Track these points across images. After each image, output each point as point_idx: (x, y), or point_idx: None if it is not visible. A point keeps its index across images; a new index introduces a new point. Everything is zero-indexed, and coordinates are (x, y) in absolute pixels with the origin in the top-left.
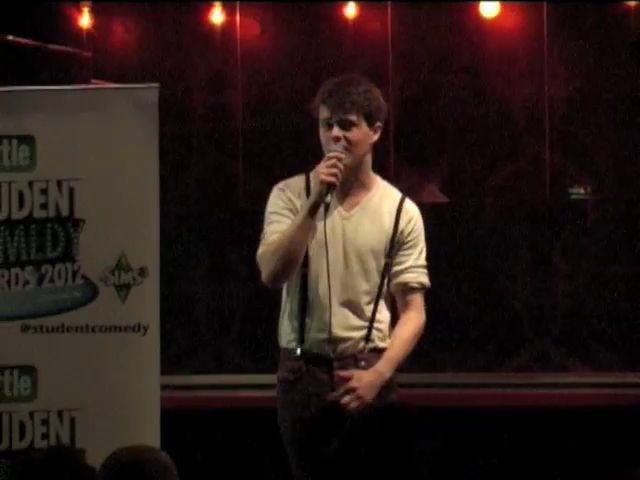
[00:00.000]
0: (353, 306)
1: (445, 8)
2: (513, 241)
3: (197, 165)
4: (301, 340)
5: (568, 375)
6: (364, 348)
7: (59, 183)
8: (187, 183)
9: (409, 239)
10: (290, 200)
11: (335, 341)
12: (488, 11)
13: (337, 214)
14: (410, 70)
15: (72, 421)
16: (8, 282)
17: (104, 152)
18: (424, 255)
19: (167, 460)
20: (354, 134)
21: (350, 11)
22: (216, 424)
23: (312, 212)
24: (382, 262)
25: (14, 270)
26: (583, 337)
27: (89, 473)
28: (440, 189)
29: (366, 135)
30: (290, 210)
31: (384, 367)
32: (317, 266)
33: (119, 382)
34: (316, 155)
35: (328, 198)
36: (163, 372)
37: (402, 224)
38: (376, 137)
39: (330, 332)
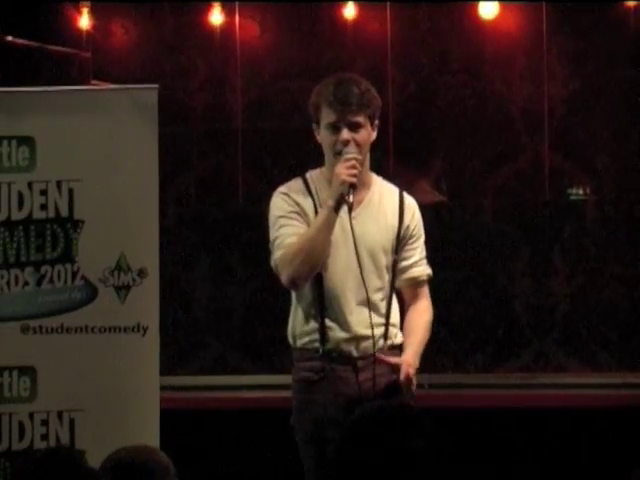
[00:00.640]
0: (370, 304)
1: (444, 9)
2: (512, 242)
3: (196, 166)
4: (322, 340)
5: (567, 376)
6: (384, 346)
7: (59, 184)
8: (186, 184)
9: (414, 233)
10: (296, 203)
11: (357, 340)
12: (487, 12)
13: (344, 213)
14: (409, 71)
15: (72, 422)
16: (8, 283)
17: (104, 153)
18: (423, 246)
19: (166, 461)
20: (362, 135)
21: (349, 12)
22: (215, 425)
23: (333, 213)
24: (391, 259)
25: (14, 271)
26: (582, 338)
27: (89, 474)
28: (436, 188)
29: (370, 135)
30: (297, 213)
31: (412, 357)
32: (332, 266)
33: (119, 383)
34: (315, 155)
35: (350, 198)
36: (162, 373)
37: (407, 219)
38: (374, 135)
39: (351, 331)
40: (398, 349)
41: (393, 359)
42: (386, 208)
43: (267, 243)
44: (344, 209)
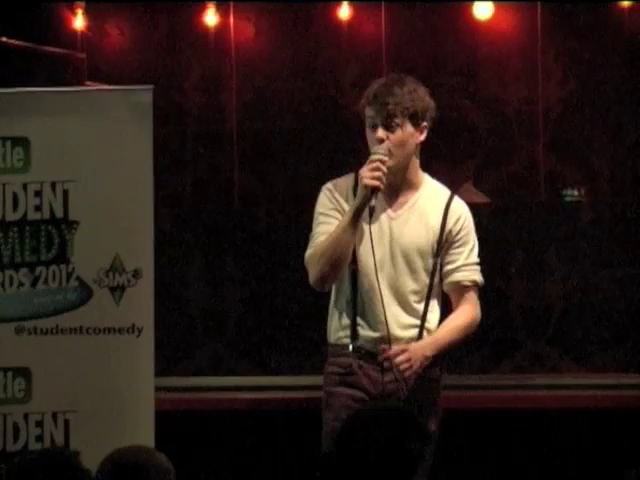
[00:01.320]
0: (403, 305)
1: (439, 9)
2: (507, 243)
3: (191, 166)
4: (353, 337)
5: (562, 376)
6: None
7: (53, 185)
8: (181, 184)
9: (458, 238)
10: (337, 200)
11: (388, 340)
12: (482, 12)
13: (385, 214)
14: (404, 71)
15: (66, 423)
16: (2, 284)
17: (98, 154)
18: (476, 252)
19: (166, 462)
20: (398, 135)
21: (344, 12)
22: (210, 426)
23: (357, 216)
24: (430, 262)
25: (8, 272)
26: (577, 338)
27: (84, 475)
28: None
29: (411, 136)
30: (337, 210)
31: (427, 344)
32: (366, 265)
33: (113, 384)
34: (309, 156)
35: (372, 202)
36: (157, 374)
37: (450, 224)
38: (422, 137)
39: (383, 330)
40: None
41: (387, 348)
42: (431, 211)
43: (261, 244)
44: (385, 209)
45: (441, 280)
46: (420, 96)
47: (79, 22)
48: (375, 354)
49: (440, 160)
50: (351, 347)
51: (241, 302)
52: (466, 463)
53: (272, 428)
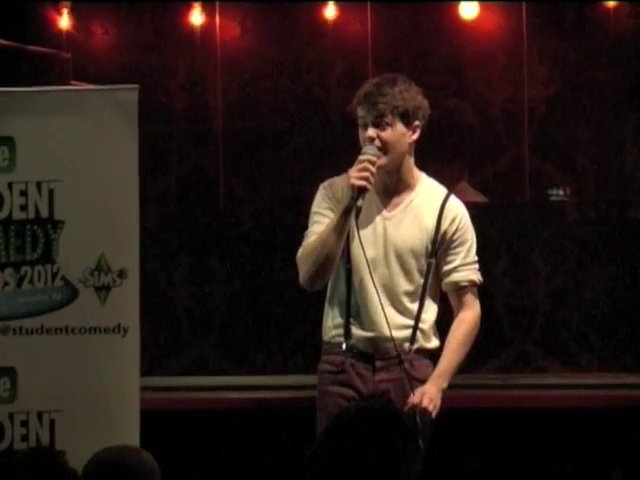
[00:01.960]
0: (396, 305)
1: (425, 9)
2: (493, 242)
3: (177, 166)
4: (346, 336)
5: (547, 376)
6: (409, 349)
7: (38, 184)
8: (167, 184)
9: (455, 238)
10: (333, 198)
11: (379, 340)
12: (467, 12)
13: (379, 215)
14: (390, 71)
15: (52, 422)
16: None
17: (84, 153)
18: (474, 251)
19: (152, 462)
20: (389, 134)
21: (330, 12)
22: (196, 426)
23: (344, 216)
24: (424, 262)
25: None
26: (562, 338)
27: (70, 475)
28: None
29: (402, 135)
30: (332, 210)
31: (439, 377)
32: (360, 264)
33: (99, 384)
34: (295, 155)
35: (359, 202)
36: (143, 373)
37: (445, 224)
38: (415, 136)
39: (375, 330)
40: (429, 353)
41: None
42: (426, 211)
43: (246, 244)
44: (380, 209)
45: (438, 280)
46: (411, 95)
47: (64, 22)
48: (368, 354)
49: (425, 160)
50: (344, 346)
51: (226, 302)
52: (450, 462)
53: (257, 428)
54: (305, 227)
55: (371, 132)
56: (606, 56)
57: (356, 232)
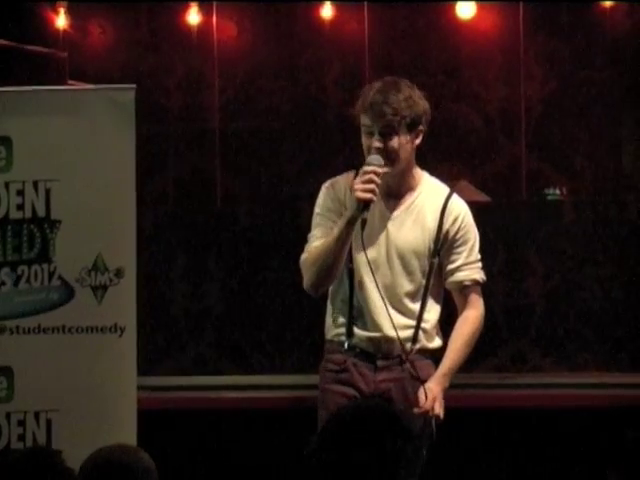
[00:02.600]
0: (398, 306)
1: (421, 9)
2: (489, 242)
3: (174, 166)
4: (348, 335)
5: (543, 375)
6: (411, 349)
7: (35, 184)
8: (164, 183)
9: (457, 237)
10: (336, 200)
11: (381, 340)
12: (464, 12)
13: (382, 216)
14: (386, 71)
15: (48, 422)
16: None
17: (81, 153)
18: (477, 250)
19: (149, 461)
20: (395, 143)
21: (326, 12)
22: (193, 425)
23: (348, 226)
24: (426, 262)
25: None
26: (559, 338)
27: (67, 474)
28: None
29: (408, 142)
30: (334, 211)
31: (442, 376)
32: (362, 264)
33: (96, 383)
34: (292, 156)
35: (365, 214)
36: (140, 373)
37: (447, 224)
38: (418, 141)
39: (377, 330)
40: (431, 353)
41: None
42: (428, 210)
43: (243, 244)
44: (382, 210)
45: (442, 279)
46: (416, 101)
47: (61, 21)
48: (369, 353)
49: (422, 160)
50: (346, 345)
51: (223, 301)
52: (447, 461)
53: (254, 427)
54: (302, 227)
55: (378, 143)
56: (603, 56)
57: (362, 234)
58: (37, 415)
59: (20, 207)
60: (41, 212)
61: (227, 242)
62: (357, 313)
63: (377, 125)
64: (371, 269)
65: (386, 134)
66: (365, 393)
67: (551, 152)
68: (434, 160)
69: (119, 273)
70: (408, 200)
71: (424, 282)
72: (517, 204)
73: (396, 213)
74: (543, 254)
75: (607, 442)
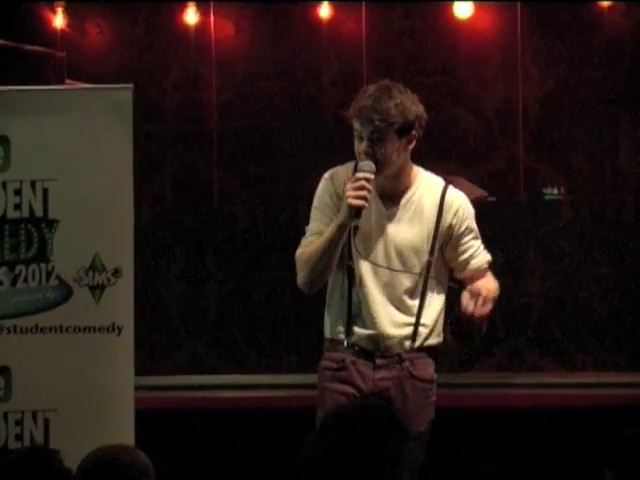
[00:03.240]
0: (397, 303)
1: (419, 9)
2: (487, 241)
3: (171, 165)
4: (347, 333)
5: (541, 375)
6: (410, 348)
7: (33, 183)
8: (161, 183)
9: (462, 229)
10: (334, 194)
11: (381, 337)
12: (462, 12)
13: (379, 213)
14: (384, 70)
15: (46, 422)
16: None
17: (78, 152)
18: (478, 233)
19: (147, 461)
20: (385, 148)
21: (324, 11)
22: (190, 424)
23: (340, 231)
24: (424, 259)
25: None
26: (557, 337)
27: (65, 474)
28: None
29: (398, 148)
30: (332, 206)
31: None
32: (361, 262)
33: (93, 383)
34: (289, 155)
35: (356, 221)
36: (137, 373)
37: (448, 218)
38: (411, 146)
39: (375, 328)
40: (430, 351)
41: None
42: (425, 205)
43: (241, 243)
44: (379, 208)
45: (444, 273)
46: (407, 107)
47: (59, 21)
48: (368, 351)
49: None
50: (345, 343)
51: (220, 301)
52: (444, 460)
53: (252, 426)
54: (300, 226)
55: (367, 148)
56: (600, 56)
57: (360, 233)
58: (35, 415)
59: (18, 207)
60: (39, 212)
61: (224, 241)
62: (356, 311)
63: (366, 130)
64: (370, 267)
65: (375, 140)
66: (364, 391)
67: (549, 152)
68: (432, 160)
69: (117, 273)
70: (404, 197)
71: (423, 279)
72: (515, 203)
73: (393, 211)
74: (541, 254)
75: (604, 441)
